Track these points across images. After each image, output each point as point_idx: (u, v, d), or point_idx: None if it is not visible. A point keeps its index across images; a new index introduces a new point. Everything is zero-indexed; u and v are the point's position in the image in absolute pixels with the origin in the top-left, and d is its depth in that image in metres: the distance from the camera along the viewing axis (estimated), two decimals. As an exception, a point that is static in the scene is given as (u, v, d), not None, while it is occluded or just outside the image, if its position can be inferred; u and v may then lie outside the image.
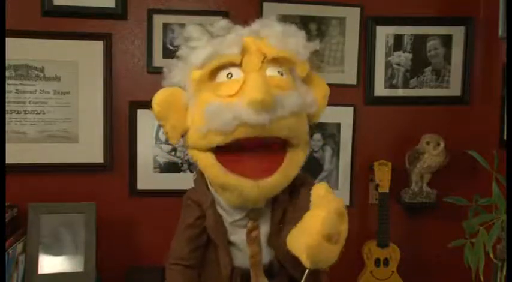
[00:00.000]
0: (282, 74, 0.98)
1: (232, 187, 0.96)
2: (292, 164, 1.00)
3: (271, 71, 0.97)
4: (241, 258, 1.10)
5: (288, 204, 1.07)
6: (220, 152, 0.97)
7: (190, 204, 1.13)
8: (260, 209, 1.05)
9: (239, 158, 0.97)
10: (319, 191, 0.91)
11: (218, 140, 0.94)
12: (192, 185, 1.17)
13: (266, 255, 1.11)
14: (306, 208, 0.93)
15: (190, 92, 0.99)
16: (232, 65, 0.96)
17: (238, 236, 1.09)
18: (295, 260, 0.91)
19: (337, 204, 0.87)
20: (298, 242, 0.87)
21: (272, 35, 0.98)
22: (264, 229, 1.09)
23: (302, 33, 1.02)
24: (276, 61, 0.98)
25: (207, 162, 0.98)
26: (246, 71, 0.95)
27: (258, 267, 1.08)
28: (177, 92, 1.01)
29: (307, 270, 0.90)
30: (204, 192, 1.09)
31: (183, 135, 1.03)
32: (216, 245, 1.11)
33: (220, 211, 1.08)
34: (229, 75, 0.96)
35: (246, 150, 0.96)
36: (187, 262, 1.12)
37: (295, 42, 0.99)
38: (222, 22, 1.03)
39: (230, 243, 1.10)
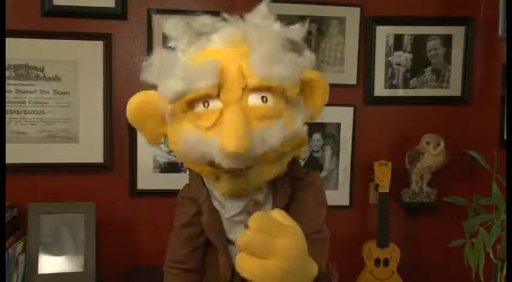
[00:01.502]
0: (266, 100, 0.86)
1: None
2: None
3: (253, 99, 0.86)
4: None
5: (288, 197, 1.01)
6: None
7: (183, 203, 1.07)
8: (258, 203, 1.00)
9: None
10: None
11: (196, 166, 0.92)
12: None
13: None
14: (309, 208, 0.89)
15: (166, 111, 0.93)
16: (209, 97, 0.86)
17: (237, 234, 1.04)
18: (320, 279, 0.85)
19: (256, 219, 0.74)
20: None
21: (255, 57, 0.86)
22: None
23: (292, 55, 0.89)
24: (258, 88, 0.86)
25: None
26: (224, 101, 0.85)
27: None
28: (152, 97, 0.93)
29: None
30: (198, 186, 1.04)
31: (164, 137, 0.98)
32: (215, 246, 1.05)
33: (217, 206, 1.02)
34: (206, 104, 0.87)
35: None
36: (186, 265, 1.06)
37: (282, 68, 0.86)
38: (206, 18, 0.95)
39: (229, 243, 1.04)
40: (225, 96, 0.86)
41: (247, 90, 0.86)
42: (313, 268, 0.80)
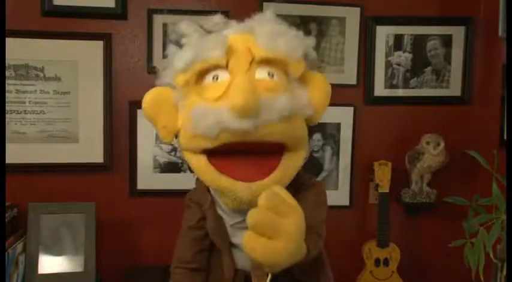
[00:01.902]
0: (272, 76, 0.92)
1: (226, 190, 0.91)
2: (288, 167, 0.94)
3: (260, 73, 0.91)
4: (245, 260, 1.06)
5: None
6: (213, 154, 0.92)
7: (191, 205, 1.11)
8: None
9: (232, 161, 0.91)
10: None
11: (206, 144, 0.90)
12: (193, 185, 1.15)
13: None
14: (308, 205, 0.89)
15: (178, 93, 0.95)
16: (218, 67, 0.90)
17: (240, 238, 1.05)
18: (302, 263, 0.88)
19: (266, 198, 0.76)
20: None
21: (261, 34, 0.92)
22: None
23: (295, 32, 0.95)
24: (265, 62, 0.91)
25: (200, 165, 0.94)
26: (232, 73, 0.90)
27: (259, 271, 1.03)
28: (166, 92, 0.97)
29: (268, 275, 0.84)
30: (203, 193, 1.07)
31: (176, 135, 0.99)
32: (219, 248, 1.08)
33: (220, 213, 1.05)
34: (215, 78, 0.91)
35: (240, 152, 0.91)
36: (192, 265, 1.09)
37: (286, 41, 0.91)
38: (216, 17, 0.98)
39: (232, 246, 1.07)
40: (233, 67, 0.90)
41: (255, 63, 0.91)
42: (304, 249, 0.81)
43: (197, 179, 1.10)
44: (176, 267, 1.11)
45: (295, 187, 1.01)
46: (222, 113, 0.84)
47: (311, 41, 0.97)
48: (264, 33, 0.92)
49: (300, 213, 0.78)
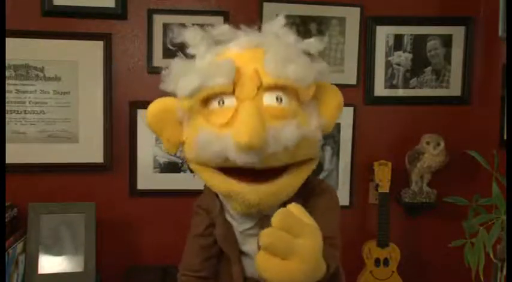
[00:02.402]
0: (280, 101, 0.88)
1: (235, 193, 0.89)
2: (299, 172, 0.92)
3: (268, 98, 0.87)
4: (254, 268, 1.04)
5: None
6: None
7: (199, 212, 1.08)
8: (271, 216, 1.01)
9: (239, 167, 0.88)
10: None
11: (212, 164, 0.89)
12: (193, 185, 1.13)
13: None
14: (321, 224, 0.89)
15: (183, 111, 0.93)
16: (224, 94, 0.88)
17: (250, 245, 1.02)
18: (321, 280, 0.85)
19: (279, 218, 0.74)
20: None
21: (270, 58, 0.88)
22: None
23: (306, 58, 0.91)
24: (274, 87, 0.88)
25: (207, 174, 0.93)
26: (239, 98, 0.87)
27: None
28: (171, 104, 0.94)
29: None
30: (212, 199, 1.04)
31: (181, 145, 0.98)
32: (228, 256, 1.05)
33: (230, 219, 1.03)
34: (221, 102, 0.88)
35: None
36: (199, 273, 1.06)
37: (296, 68, 0.88)
38: (224, 27, 0.95)
39: (242, 254, 1.05)
40: (240, 93, 0.87)
41: (262, 89, 0.87)
42: (324, 267, 0.79)
43: (205, 186, 1.07)
44: (183, 275, 1.08)
45: (306, 191, 0.99)
46: (228, 144, 0.83)
47: (322, 66, 0.94)
48: (274, 58, 0.88)
49: (317, 232, 0.76)
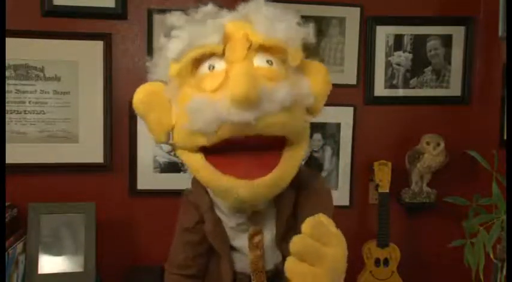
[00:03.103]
0: (271, 64, 0.86)
1: (226, 189, 0.85)
2: (290, 163, 0.89)
3: (259, 61, 0.85)
4: (245, 264, 1.03)
5: (293, 205, 0.99)
6: (210, 152, 0.86)
7: (188, 206, 1.05)
8: (262, 211, 0.98)
9: (231, 159, 0.86)
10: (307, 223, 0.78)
11: (203, 140, 0.84)
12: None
13: (270, 261, 1.03)
14: (315, 207, 0.88)
15: (172, 87, 0.89)
16: (214, 55, 0.85)
17: (241, 240, 1.01)
18: None
19: (310, 225, 0.75)
20: None
21: (259, 19, 0.86)
22: (269, 233, 1.00)
23: (294, 17, 0.89)
24: (264, 49, 0.86)
25: (197, 165, 0.88)
26: (229, 61, 0.84)
27: (260, 273, 1.01)
28: (159, 87, 0.91)
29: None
30: (201, 194, 1.01)
31: (170, 134, 0.93)
32: (218, 253, 1.04)
33: (220, 215, 1.01)
34: (211, 67, 0.85)
35: (238, 149, 0.85)
36: (187, 271, 1.04)
37: (285, 28, 0.86)
38: (207, 7, 0.92)
39: (232, 249, 1.03)
40: (230, 55, 0.84)
41: (253, 50, 0.85)
42: (344, 273, 0.82)
43: (193, 180, 1.05)
44: (170, 273, 1.06)
45: (298, 186, 0.98)
46: (221, 106, 0.79)
47: (310, 28, 0.91)
48: (262, 18, 0.86)
49: (343, 241, 0.80)
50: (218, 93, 0.81)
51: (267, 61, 0.86)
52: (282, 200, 0.98)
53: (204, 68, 0.86)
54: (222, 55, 0.85)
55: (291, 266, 0.74)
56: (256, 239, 0.99)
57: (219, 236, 1.02)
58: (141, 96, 0.92)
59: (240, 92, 0.77)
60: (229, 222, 1.01)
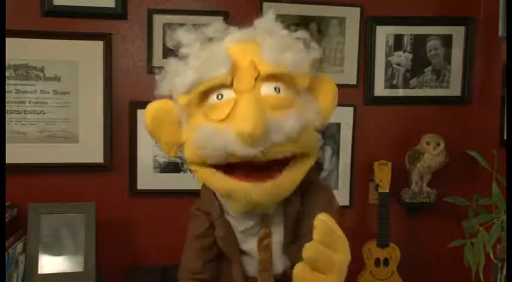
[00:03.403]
0: (278, 91, 0.88)
1: (238, 193, 0.88)
2: (299, 169, 0.92)
3: (266, 89, 0.88)
4: (254, 267, 1.04)
5: (299, 206, 1.01)
6: (220, 167, 0.90)
7: (199, 214, 1.07)
8: (271, 215, 1.00)
9: (240, 167, 0.89)
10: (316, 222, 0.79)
11: (213, 161, 0.88)
12: (193, 185, 1.13)
13: (279, 264, 1.05)
14: (319, 207, 0.90)
15: (182, 111, 0.93)
16: (222, 87, 0.87)
17: (251, 244, 1.03)
18: None
19: (322, 232, 0.76)
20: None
21: (267, 47, 0.89)
22: (278, 237, 1.02)
23: (301, 45, 0.92)
24: (271, 77, 0.88)
25: (207, 175, 0.92)
26: (237, 90, 0.87)
27: (266, 272, 1.02)
28: (168, 106, 0.94)
29: None
30: (211, 201, 1.04)
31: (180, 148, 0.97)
32: (228, 258, 1.05)
33: (230, 220, 1.03)
34: (220, 96, 0.87)
35: (247, 163, 0.88)
36: (200, 276, 1.05)
37: (292, 56, 0.89)
38: (216, 24, 0.95)
39: (243, 253, 1.05)
40: (238, 85, 0.87)
41: (260, 79, 0.87)
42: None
43: (203, 188, 1.07)
44: (184, 278, 1.07)
45: (304, 188, 1.00)
46: (229, 138, 0.82)
47: (317, 52, 0.94)
48: (270, 47, 0.88)
49: (347, 244, 0.82)
50: (226, 123, 0.84)
51: (275, 88, 0.88)
52: (289, 203, 1.00)
53: (213, 96, 0.88)
54: (230, 85, 0.87)
55: (301, 273, 0.76)
56: (266, 241, 1.01)
57: (229, 240, 1.03)
58: (151, 114, 0.94)
59: (246, 130, 0.79)
60: (239, 226, 1.02)
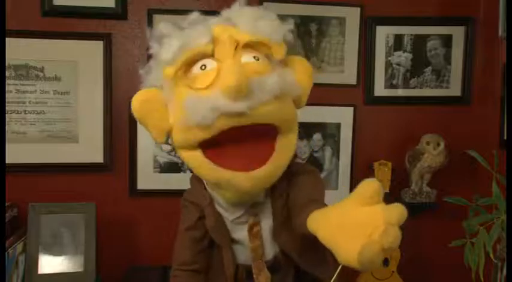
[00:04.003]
0: (258, 59, 0.93)
1: (226, 182, 0.92)
2: (284, 151, 0.96)
3: (246, 58, 0.92)
4: (246, 255, 1.08)
5: (286, 193, 1.04)
6: (208, 147, 0.92)
7: (188, 205, 1.10)
8: (260, 203, 1.04)
9: (228, 151, 0.92)
10: (372, 186, 0.71)
11: (201, 134, 0.90)
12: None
13: (270, 250, 1.09)
14: (307, 191, 0.93)
15: (167, 90, 0.95)
16: (205, 56, 0.92)
17: (241, 233, 1.06)
18: (311, 253, 0.89)
19: (397, 214, 0.71)
20: (349, 239, 0.72)
21: (242, 20, 0.95)
22: (266, 223, 1.06)
23: (273, 15, 0.97)
24: (249, 47, 0.93)
25: (196, 161, 0.94)
26: (219, 60, 0.90)
27: (260, 262, 1.06)
28: (154, 91, 0.97)
29: (340, 266, 0.80)
30: (200, 192, 1.07)
31: (169, 135, 0.99)
32: (219, 246, 1.09)
33: (220, 209, 1.06)
34: (203, 67, 0.91)
35: (234, 141, 0.91)
36: (192, 266, 1.09)
37: (267, 25, 0.94)
38: (193, 15, 1.00)
39: (233, 241, 1.08)
40: (219, 55, 0.91)
41: (240, 49, 0.92)
42: None
43: (192, 179, 1.11)
44: (176, 269, 1.10)
45: (289, 173, 1.02)
46: (216, 99, 0.85)
47: (290, 25, 0.98)
48: (245, 19, 0.94)
49: None
50: (211, 89, 0.88)
51: (254, 57, 0.93)
52: (275, 191, 1.03)
53: (197, 68, 0.92)
54: (212, 56, 0.92)
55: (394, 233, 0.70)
56: (255, 229, 1.04)
57: (220, 230, 1.06)
58: (137, 102, 0.97)
59: (231, 82, 0.83)
60: (228, 216, 1.05)
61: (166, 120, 0.96)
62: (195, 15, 1.00)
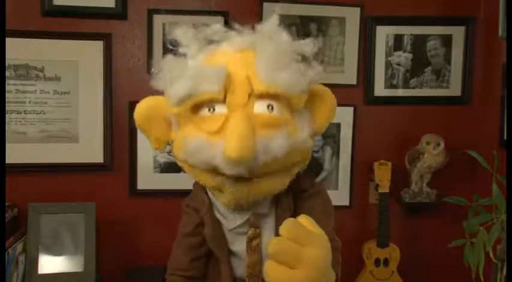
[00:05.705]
0: (272, 109, 0.86)
1: (225, 186, 0.90)
2: (288, 171, 0.93)
3: (259, 107, 0.86)
4: (243, 269, 1.03)
5: (292, 209, 1.00)
6: None
7: (188, 211, 1.07)
8: (263, 214, 1.00)
9: None
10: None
11: (199, 168, 0.91)
12: (192, 185, 1.13)
13: None
14: (316, 218, 0.90)
15: (173, 116, 0.93)
16: (214, 101, 0.86)
17: (240, 245, 1.02)
18: None
19: (287, 227, 0.71)
20: None
21: (263, 62, 0.86)
22: (268, 238, 1.00)
23: (298, 64, 0.89)
24: (265, 94, 0.86)
25: (196, 173, 0.94)
26: (230, 106, 0.85)
27: (255, 277, 1.01)
28: (159, 103, 0.94)
29: None
30: (201, 198, 1.05)
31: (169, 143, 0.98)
32: (217, 257, 1.05)
33: (219, 217, 1.02)
34: (212, 109, 0.86)
35: None
36: (187, 273, 1.05)
37: (288, 76, 0.85)
38: (216, 26, 0.93)
39: (231, 254, 1.04)
40: (231, 101, 0.86)
41: (254, 97, 0.86)
42: (333, 276, 0.78)
43: (194, 184, 1.09)
44: (171, 275, 1.07)
45: (296, 188, 0.99)
46: (217, 153, 0.82)
47: (317, 70, 0.92)
48: (265, 64, 0.86)
49: (326, 241, 0.74)
50: (217, 137, 0.84)
51: (268, 106, 0.87)
52: (281, 203, 0.99)
53: (205, 109, 0.88)
54: (223, 100, 0.86)
55: (268, 269, 0.71)
56: (254, 242, 1.00)
57: (217, 239, 1.02)
58: (141, 110, 0.95)
59: (234, 153, 0.79)
60: (228, 224, 1.01)
61: (168, 132, 0.95)
62: (218, 27, 0.93)
